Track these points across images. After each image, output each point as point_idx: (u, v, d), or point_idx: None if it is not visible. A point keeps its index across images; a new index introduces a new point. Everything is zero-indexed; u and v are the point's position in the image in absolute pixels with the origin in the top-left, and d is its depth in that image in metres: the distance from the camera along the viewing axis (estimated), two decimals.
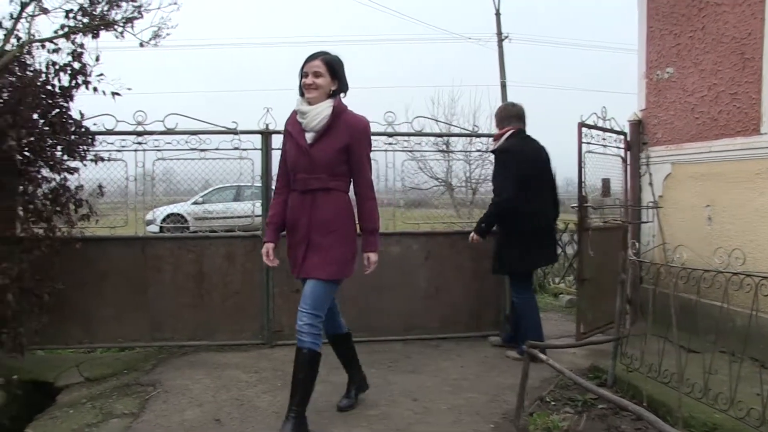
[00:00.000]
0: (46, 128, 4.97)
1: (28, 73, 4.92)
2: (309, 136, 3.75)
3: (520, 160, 5.24)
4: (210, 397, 4.50)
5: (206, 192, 15.00)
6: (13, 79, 4.80)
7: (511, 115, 5.48)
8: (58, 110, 5.04)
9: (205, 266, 5.70)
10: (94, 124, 5.38)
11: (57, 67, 5.06)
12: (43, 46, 5.07)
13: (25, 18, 4.93)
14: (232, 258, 5.74)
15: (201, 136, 5.66)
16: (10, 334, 4.79)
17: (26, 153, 4.85)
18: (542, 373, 4.69)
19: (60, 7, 5.11)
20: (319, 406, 4.22)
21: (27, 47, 4.91)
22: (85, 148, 5.18)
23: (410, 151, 6.46)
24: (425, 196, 10.53)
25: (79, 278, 5.42)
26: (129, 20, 5.46)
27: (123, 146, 5.61)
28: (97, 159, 5.30)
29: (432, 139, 6.52)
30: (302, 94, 3.80)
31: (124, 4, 5.43)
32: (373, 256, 3.90)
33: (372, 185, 3.89)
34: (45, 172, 5.01)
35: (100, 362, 5.36)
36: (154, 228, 12.81)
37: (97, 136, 5.39)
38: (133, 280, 5.63)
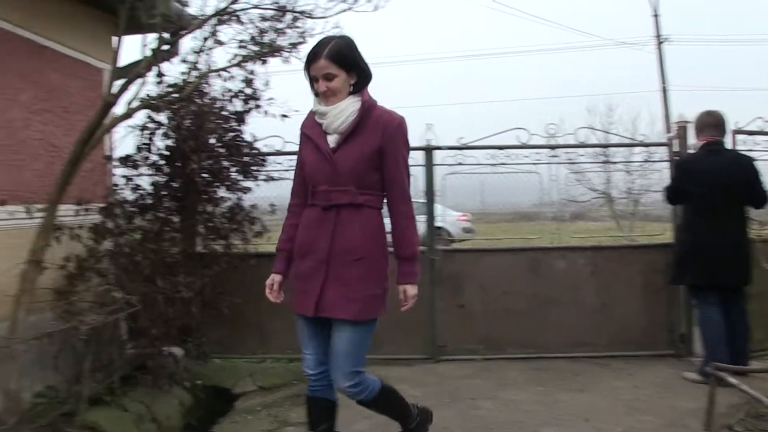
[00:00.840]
0: (223, 151, 5.32)
1: (206, 100, 5.31)
2: (332, 139, 3.04)
3: (681, 173, 5.19)
4: None
5: None
6: (194, 107, 5.20)
7: (705, 125, 5.19)
8: (232, 134, 5.39)
9: None
10: (265, 146, 5.70)
11: (231, 93, 5.42)
12: (219, 75, 5.43)
13: (204, 51, 5.31)
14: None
15: None
16: (195, 342, 5.16)
17: (205, 175, 5.22)
18: (728, 398, 4.32)
19: (234, 39, 5.47)
20: (489, 423, 4.16)
21: (206, 77, 5.28)
22: (258, 168, 5.50)
23: (571, 163, 6.30)
24: (583, 208, 10.20)
25: (253, 292, 5.68)
26: (294, 45, 5.74)
27: (291, 166, 5.89)
28: (269, 179, 5.61)
29: (590, 149, 6.34)
30: (317, 95, 3.11)
31: (289, 31, 5.72)
32: (410, 289, 3.05)
33: (409, 198, 3.09)
34: (222, 192, 5.37)
35: (272, 372, 5.61)
36: None
37: (267, 157, 5.71)
38: None
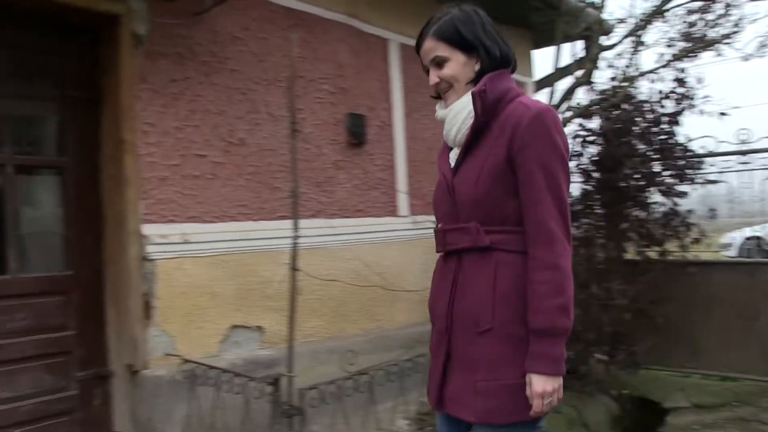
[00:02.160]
0: (655, 155, 5.14)
1: (635, 104, 5.19)
2: (453, 157, 2.05)
3: None
4: None
5: None
6: (624, 112, 5.12)
7: None
8: (664, 136, 5.17)
9: None
10: (701, 147, 5.36)
11: (662, 95, 5.20)
12: (648, 77, 5.28)
13: (631, 54, 5.24)
14: None
15: None
16: (626, 351, 5.06)
17: (637, 180, 5.09)
18: None
19: (661, 38, 5.29)
20: None
21: (634, 80, 5.18)
22: (693, 171, 5.18)
23: None
24: None
25: (685, 302, 5.39)
26: (727, 36, 5.32)
27: (726, 167, 5.43)
28: (708, 182, 5.24)
29: None
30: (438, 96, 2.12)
31: (721, 21, 5.32)
32: (537, 383, 1.79)
33: (555, 237, 1.83)
34: (655, 197, 5.17)
35: (706, 390, 5.22)
36: (731, 252, 12.21)
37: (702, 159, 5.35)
38: (742, 307, 5.34)
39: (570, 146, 5.40)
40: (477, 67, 1.98)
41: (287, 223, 4.10)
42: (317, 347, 4.23)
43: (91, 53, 3.68)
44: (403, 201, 4.90)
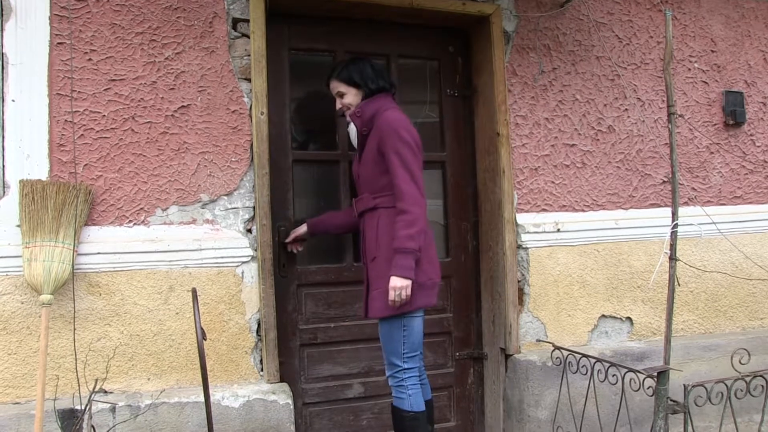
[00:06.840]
0: None
1: None
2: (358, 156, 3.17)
3: None
4: None
5: None
6: None
7: None
8: None
9: None
10: None
11: None
12: None
13: None
14: None
15: None
16: None
17: None
18: None
19: None
20: None
21: None
22: None
23: None
24: None
25: None
26: None
27: None
28: None
29: None
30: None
31: None
32: (392, 280, 2.79)
33: (405, 193, 2.85)
34: None
35: None
36: None
37: None
38: None
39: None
40: (361, 95, 3.03)
41: (659, 212, 3.96)
42: (689, 342, 3.98)
43: (464, 53, 3.92)
44: None
